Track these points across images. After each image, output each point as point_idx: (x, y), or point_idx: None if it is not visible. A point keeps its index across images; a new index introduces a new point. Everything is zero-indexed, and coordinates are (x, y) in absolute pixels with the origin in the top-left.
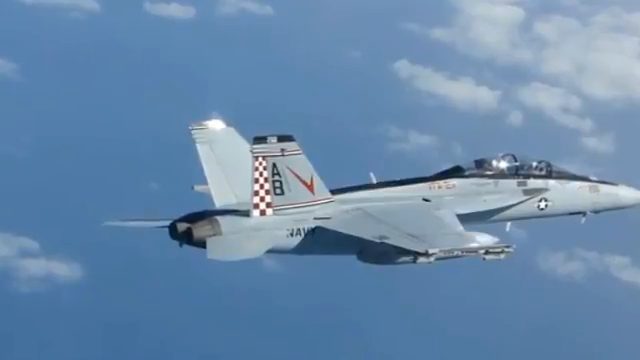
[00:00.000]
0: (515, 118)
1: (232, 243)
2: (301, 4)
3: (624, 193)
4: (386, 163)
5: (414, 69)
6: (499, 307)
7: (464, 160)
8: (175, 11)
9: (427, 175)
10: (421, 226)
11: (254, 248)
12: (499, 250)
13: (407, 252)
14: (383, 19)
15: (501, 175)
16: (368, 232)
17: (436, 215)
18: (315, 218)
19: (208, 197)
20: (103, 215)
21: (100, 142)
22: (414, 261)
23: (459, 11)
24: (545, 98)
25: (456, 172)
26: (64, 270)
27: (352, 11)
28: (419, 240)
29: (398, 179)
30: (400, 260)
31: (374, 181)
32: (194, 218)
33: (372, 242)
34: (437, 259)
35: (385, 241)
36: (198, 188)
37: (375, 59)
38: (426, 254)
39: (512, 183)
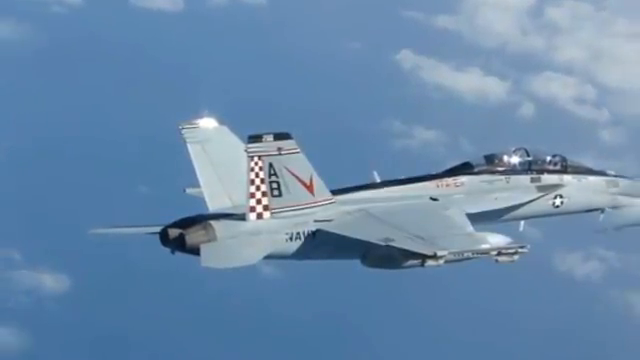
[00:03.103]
0: (527, 110)
1: (227, 249)
2: None
3: None
4: (390, 161)
5: (418, 60)
6: (513, 311)
7: (473, 156)
8: (163, 3)
9: (434, 172)
10: (429, 227)
11: (251, 254)
12: (512, 251)
13: (414, 255)
14: (384, 7)
15: (513, 171)
16: (372, 234)
17: (444, 215)
18: (315, 221)
19: (201, 200)
20: (90, 221)
21: (85, 143)
22: (422, 264)
23: None
24: (558, 88)
25: (465, 169)
26: (49, 281)
27: None
28: (427, 242)
29: (403, 177)
30: (407, 264)
31: (377, 180)
32: (187, 223)
33: (376, 245)
34: (446, 262)
35: (390, 244)
36: (190, 191)
37: (376, 50)
38: (435, 257)
39: (525, 179)
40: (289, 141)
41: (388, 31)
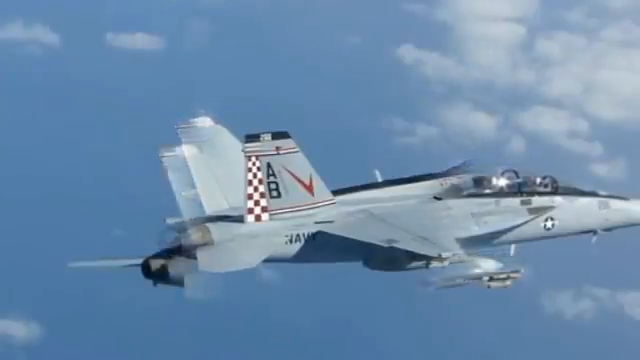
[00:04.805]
0: (533, 107)
1: (225, 253)
2: None
3: (637, 208)
4: (392, 159)
5: (420, 54)
6: (514, 312)
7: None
8: None
9: (438, 171)
10: (433, 228)
11: (250, 257)
12: (504, 276)
13: (419, 257)
14: (384, 0)
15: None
16: (375, 236)
17: (449, 215)
18: (316, 222)
19: (197, 203)
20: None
21: (56, 183)
22: (427, 266)
23: None
24: (549, 122)
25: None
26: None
27: None
28: (431, 243)
29: (406, 176)
30: (411, 266)
31: (380, 179)
32: (169, 254)
33: (379, 247)
34: (451, 264)
35: (394, 245)
36: (186, 194)
37: (377, 44)
38: (439, 258)
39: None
40: (287, 140)
41: (389, 25)
